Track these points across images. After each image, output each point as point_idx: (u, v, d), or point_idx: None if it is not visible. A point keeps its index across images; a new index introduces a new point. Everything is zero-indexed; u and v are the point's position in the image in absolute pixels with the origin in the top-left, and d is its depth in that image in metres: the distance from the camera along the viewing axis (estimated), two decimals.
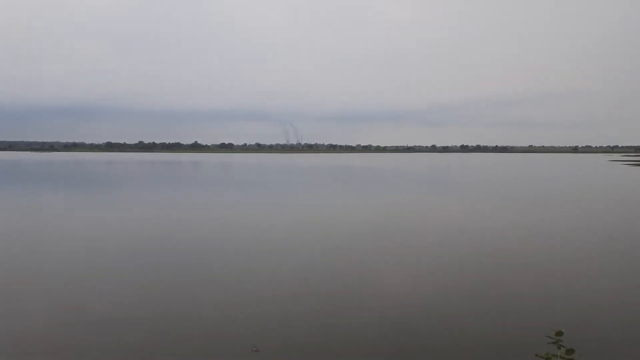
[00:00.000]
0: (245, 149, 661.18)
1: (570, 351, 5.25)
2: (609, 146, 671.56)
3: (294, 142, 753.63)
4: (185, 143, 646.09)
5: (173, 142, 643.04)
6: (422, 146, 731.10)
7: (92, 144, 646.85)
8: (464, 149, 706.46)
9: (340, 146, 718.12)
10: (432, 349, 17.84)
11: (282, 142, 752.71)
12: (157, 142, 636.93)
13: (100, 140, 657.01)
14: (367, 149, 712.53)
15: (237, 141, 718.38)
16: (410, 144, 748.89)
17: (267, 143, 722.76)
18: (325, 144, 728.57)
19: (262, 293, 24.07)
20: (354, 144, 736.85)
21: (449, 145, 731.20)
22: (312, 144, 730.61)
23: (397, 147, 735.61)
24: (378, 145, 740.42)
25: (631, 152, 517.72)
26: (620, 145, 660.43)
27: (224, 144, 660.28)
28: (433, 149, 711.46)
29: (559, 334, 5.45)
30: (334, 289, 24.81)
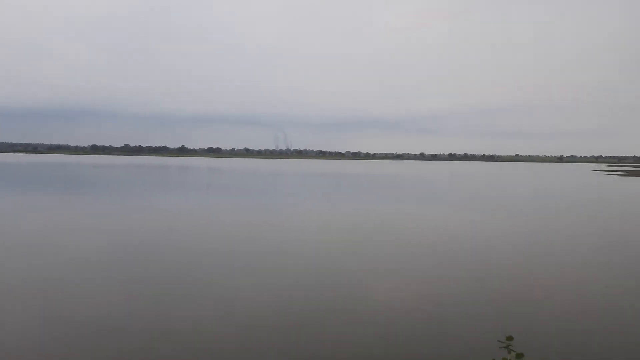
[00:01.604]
0: (233, 154, 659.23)
1: (519, 355, 5.39)
2: (593, 156, 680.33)
3: (284, 148, 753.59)
4: (172, 147, 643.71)
5: (160, 145, 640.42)
6: (411, 154, 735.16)
7: (77, 147, 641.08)
8: (452, 157, 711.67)
9: (330, 152, 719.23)
10: (405, 355, 18.09)
11: (272, 147, 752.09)
12: (144, 145, 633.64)
13: (86, 142, 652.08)
14: (356, 155, 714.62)
15: (226, 146, 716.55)
16: (400, 152, 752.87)
17: (256, 148, 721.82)
18: (315, 150, 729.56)
19: (246, 302, 23.77)
20: (343, 151, 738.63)
21: (438, 153, 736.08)
22: (301, 149, 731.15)
23: (386, 154, 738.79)
24: (368, 153, 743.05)
25: (614, 162, 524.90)
26: (604, 156, 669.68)
27: (211, 148, 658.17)
28: (422, 157, 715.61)
29: (509, 338, 5.66)
30: (320, 299, 24.79)
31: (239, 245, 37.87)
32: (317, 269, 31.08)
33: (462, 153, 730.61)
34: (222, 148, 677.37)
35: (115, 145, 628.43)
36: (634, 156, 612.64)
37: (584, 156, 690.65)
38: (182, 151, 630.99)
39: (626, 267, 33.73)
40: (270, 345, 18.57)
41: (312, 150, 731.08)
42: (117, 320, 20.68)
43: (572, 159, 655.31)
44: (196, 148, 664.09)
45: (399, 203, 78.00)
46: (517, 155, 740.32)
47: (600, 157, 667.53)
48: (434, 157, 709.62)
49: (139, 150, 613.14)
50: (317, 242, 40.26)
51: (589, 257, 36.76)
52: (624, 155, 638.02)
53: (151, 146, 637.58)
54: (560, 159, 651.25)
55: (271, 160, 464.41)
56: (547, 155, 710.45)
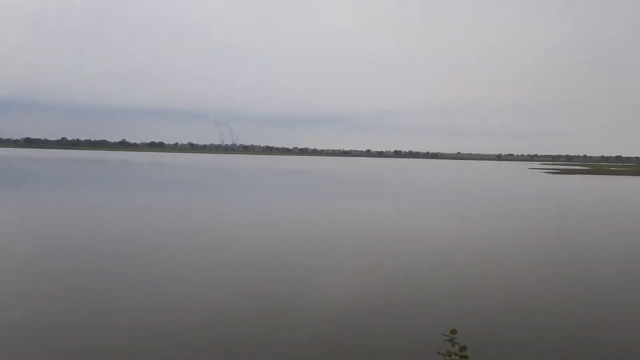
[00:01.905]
0: (177, 148, 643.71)
1: (462, 348, 5.50)
2: (529, 155, 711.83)
3: (229, 143, 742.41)
4: (112, 141, 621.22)
5: (99, 139, 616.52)
6: (358, 150, 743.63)
7: (8, 139, 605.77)
8: (398, 154, 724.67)
9: (277, 148, 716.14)
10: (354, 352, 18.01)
11: (217, 142, 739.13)
12: (82, 139, 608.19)
13: (18, 135, 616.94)
14: (303, 151, 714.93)
15: (169, 140, 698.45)
16: (347, 148, 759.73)
17: (201, 143, 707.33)
18: (262, 145, 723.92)
19: (189, 299, 22.92)
20: (290, 147, 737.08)
21: (384, 150, 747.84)
22: (247, 145, 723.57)
23: (333, 150, 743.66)
24: (315, 149, 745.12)
25: (549, 161, 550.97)
26: (539, 154, 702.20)
27: (154, 142, 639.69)
28: (368, 153, 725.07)
29: (453, 332, 5.64)
30: (255, 297, 23.96)
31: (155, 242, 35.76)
32: (256, 266, 29.15)
33: (407, 150, 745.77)
34: (165, 142, 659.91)
35: (51, 139, 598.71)
36: (567, 155, 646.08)
37: (521, 155, 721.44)
38: (123, 145, 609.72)
39: (561, 260, 33.98)
40: (211, 345, 17.85)
41: (259, 146, 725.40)
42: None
43: (510, 157, 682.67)
44: (138, 142, 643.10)
45: (347, 200, 77.23)
46: (459, 153, 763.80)
47: (536, 155, 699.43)
48: (380, 154, 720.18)
49: (76, 144, 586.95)
50: (259, 240, 38.46)
51: (528, 251, 36.94)
52: (557, 154, 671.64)
53: (90, 140, 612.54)
54: (499, 157, 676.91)
55: (216, 155, 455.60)
56: (487, 153, 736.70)
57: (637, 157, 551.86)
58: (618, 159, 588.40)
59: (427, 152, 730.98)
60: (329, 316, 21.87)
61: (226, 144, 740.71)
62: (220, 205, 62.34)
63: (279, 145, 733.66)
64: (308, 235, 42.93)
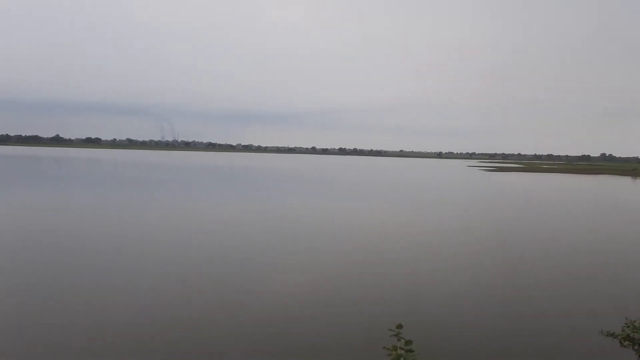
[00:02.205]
0: (114, 144, 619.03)
1: (408, 342, 5.52)
2: (467, 153, 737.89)
3: (170, 139, 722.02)
4: (45, 136, 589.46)
5: (31, 134, 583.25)
6: (303, 147, 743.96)
7: None
8: (342, 151, 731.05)
9: (220, 145, 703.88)
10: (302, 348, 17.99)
11: (157, 138, 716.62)
12: (12, 134, 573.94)
13: None
14: (248, 148, 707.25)
15: (106, 136, 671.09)
16: (292, 145, 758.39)
17: (140, 139, 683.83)
18: (204, 142, 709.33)
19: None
20: (234, 143, 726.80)
21: (329, 147, 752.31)
22: (189, 141, 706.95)
23: (278, 147, 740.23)
24: (259, 145, 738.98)
25: (486, 159, 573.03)
26: (477, 152, 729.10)
27: (90, 138, 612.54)
28: (313, 150, 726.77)
29: (399, 326, 5.72)
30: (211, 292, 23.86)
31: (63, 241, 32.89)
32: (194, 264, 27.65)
33: (352, 148, 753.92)
34: (102, 138, 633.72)
35: None
36: (503, 153, 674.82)
37: (460, 153, 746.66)
38: (56, 141, 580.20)
39: (501, 254, 34.43)
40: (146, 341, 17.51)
41: (201, 142, 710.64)
42: None
43: (450, 155, 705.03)
44: (72, 138, 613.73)
45: (295, 197, 75.77)
46: (402, 150, 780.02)
47: (474, 153, 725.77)
48: (325, 151, 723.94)
49: (6, 140, 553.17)
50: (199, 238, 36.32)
51: (470, 247, 37.19)
52: (494, 152, 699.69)
53: (20, 135, 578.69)
54: (439, 155, 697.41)
55: (155, 151, 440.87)
56: (428, 151, 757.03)
57: (566, 156, 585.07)
58: (549, 157, 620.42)
59: (372, 149, 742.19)
60: (276, 313, 21.78)
61: (167, 140, 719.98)
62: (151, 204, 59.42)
63: (222, 142, 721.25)
64: (249, 233, 41.21)
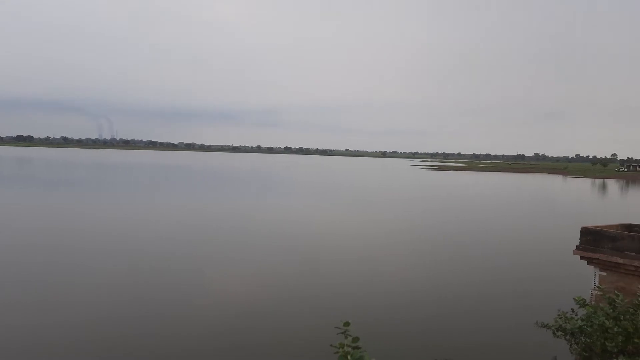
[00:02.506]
0: (48, 142, 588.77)
1: (355, 339, 5.56)
2: (410, 152, 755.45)
3: (108, 138, 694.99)
4: None
5: None
6: (248, 146, 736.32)
7: None
8: (288, 150, 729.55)
9: (162, 143, 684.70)
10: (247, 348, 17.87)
11: (95, 136, 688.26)
12: None
13: None
14: (190, 147, 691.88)
15: (39, 134, 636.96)
16: (236, 144, 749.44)
17: (76, 137, 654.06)
18: (144, 140, 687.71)
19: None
20: (176, 142, 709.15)
21: (274, 146, 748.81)
22: (129, 139, 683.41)
23: (222, 146, 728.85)
24: (202, 144, 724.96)
25: (428, 158, 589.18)
26: (419, 152, 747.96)
27: (21, 136, 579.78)
28: (258, 149, 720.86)
29: (347, 324, 5.62)
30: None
31: None
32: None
33: (298, 147, 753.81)
34: (35, 136, 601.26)
35: None
36: (444, 153, 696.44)
37: (403, 152, 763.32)
38: None
39: (444, 251, 35.23)
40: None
41: (141, 141, 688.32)
42: None
43: (394, 155, 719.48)
44: (2, 136, 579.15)
45: (232, 198, 74.37)
46: (347, 150, 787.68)
47: (417, 153, 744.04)
48: (270, 150, 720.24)
49: None
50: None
51: (414, 244, 37.81)
52: (435, 152, 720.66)
53: None
54: (384, 155, 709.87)
55: (90, 150, 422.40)
56: (373, 150, 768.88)
57: (503, 155, 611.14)
58: (487, 156, 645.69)
59: (317, 148, 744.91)
60: (222, 312, 21.41)
61: (104, 139, 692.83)
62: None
63: (164, 141, 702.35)
64: (185, 233, 40.02)
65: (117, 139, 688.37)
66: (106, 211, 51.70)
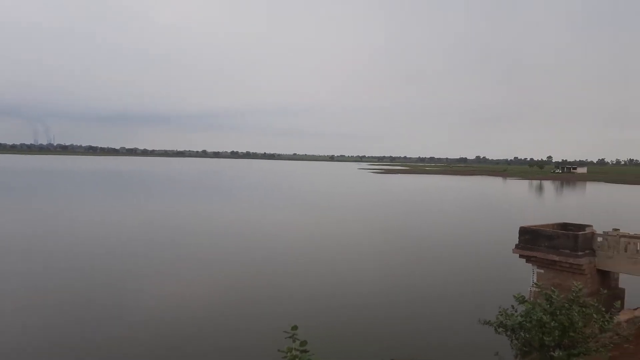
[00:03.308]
0: None
1: (303, 343, 5.66)
2: (358, 156, 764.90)
3: (45, 143, 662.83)
4: None
5: None
6: (193, 151, 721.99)
7: None
8: (235, 155, 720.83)
9: (102, 148, 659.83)
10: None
11: (29, 142, 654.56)
12: None
13: None
14: (132, 152, 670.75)
15: None
16: (181, 149, 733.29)
17: (9, 142, 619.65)
18: (84, 145, 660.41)
19: None
20: (117, 147, 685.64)
21: (220, 151, 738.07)
22: (67, 145, 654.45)
23: (166, 151, 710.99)
24: (145, 149, 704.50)
25: (375, 162, 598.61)
26: (367, 155, 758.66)
27: None
28: (204, 154, 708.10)
29: (294, 328, 5.80)
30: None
31: None
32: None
33: (245, 151, 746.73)
34: None
35: None
36: (390, 156, 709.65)
37: (351, 156, 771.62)
38: None
39: (388, 254, 35.77)
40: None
41: (80, 146, 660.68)
42: None
43: (342, 158, 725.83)
44: None
45: (181, 202, 72.72)
46: (295, 154, 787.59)
47: (364, 156, 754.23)
48: (217, 155, 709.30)
49: None
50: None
51: (361, 247, 38.17)
52: (382, 155, 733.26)
53: None
54: (332, 158, 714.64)
55: (24, 156, 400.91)
56: (321, 154, 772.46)
57: (446, 158, 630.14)
58: (432, 159, 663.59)
59: (265, 152, 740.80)
60: (165, 320, 20.94)
61: (40, 144, 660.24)
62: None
63: (105, 145, 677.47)
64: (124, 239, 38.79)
65: (54, 144, 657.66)
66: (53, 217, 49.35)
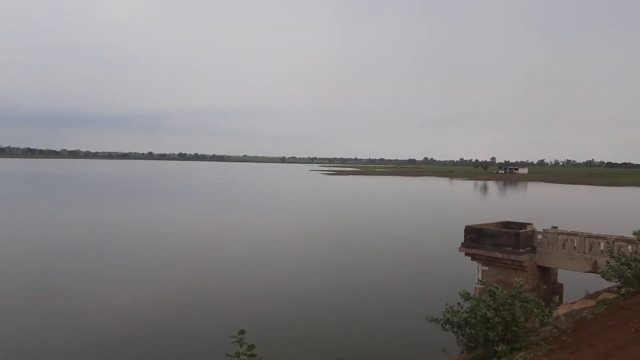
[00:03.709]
0: None
1: (251, 347, 5.60)
2: (309, 157, 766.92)
3: None
4: None
5: None
6: (139, 153, 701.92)
7: None
8: (183, 157, 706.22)
9: (42, 150, 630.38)
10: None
11: None
12: None
13: None
14: (75, 154, 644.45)
15: None
16: (125, 151, 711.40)
17: None
18: (22, 147, 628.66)
19: None
20: (58, 149, 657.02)
21: (167, 153, 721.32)
22: (4, 147, 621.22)
23: (110, 153, 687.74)
24: (88, 151, 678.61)
25: (326, 163, 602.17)
26: (318, 157, 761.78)
27: None
28: (150, 156, 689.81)
29: (241, 332, 5.70)
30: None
31: None
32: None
33: (193, 153, 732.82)
34: None
35: None
36: (341, 158, 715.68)
37: (302, 157, 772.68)
38: None
39: (338, 257, 35.89)
40: None
41: (18, 148, 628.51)
42: None
43: (293, 160, 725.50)
44: None
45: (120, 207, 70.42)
46: (245, 155, 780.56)
47: (315, 158, 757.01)
48: (164, 157, 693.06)
49: None
50: None
51: (309, 250, 38.15)
52: (333, 157, 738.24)
53: None
54: (282, 160, 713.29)
55: None
56: (271, 156, 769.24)
57: (396, 160, 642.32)
58: (382, 161, 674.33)
59: (214, 154, 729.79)
60: (108, 328, 20.38)
61: None
62: None
63: (44, 148, 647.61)
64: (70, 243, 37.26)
65: None
66: None
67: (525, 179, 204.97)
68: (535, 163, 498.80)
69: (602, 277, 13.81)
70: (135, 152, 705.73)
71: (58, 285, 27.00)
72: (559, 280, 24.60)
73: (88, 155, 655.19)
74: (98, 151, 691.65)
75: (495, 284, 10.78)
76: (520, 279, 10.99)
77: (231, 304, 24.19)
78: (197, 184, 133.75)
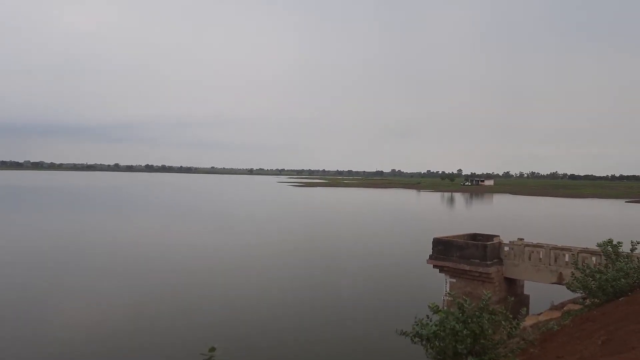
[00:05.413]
0: None
1: None
2: (277, 169, 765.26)
3: None
4: None
5: None
6: (104, 164, 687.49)
7: None
8: (150, 168, 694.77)
9: (4, 162, 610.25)
10: None
11: None
12: None
13: None
14: (38, 166, 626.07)
15: None
16: (91, 162, 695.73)
17: None
18: None
19: None
20: (21, 160, 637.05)
21: (134, 164, 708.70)
22: None
23: (75, 164, 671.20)
24: (52, 162, 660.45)
25: (294, 175, 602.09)
26: (286, 169, 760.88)
27: None
28: (116, 167, 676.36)
29: (212, 349, 5.53)
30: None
31: None
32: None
33: (160, 164, 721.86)
34: None
35: None
36: (309, 169, 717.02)
37: (270, 169, 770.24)
38: None
39: (305, 269, 35.67)
40: None
41: None
42: None
43: (261, 172, 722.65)
44: None
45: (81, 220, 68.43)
46: (212, 167, 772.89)
47: (284, 170, 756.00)
48: (130, 168, 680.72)
49: None
50: None
51: (277, 262, 37.71)
52: (301, 168, 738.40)
53: None
54: (250, 172, 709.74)
55: None
56: (239, 168, 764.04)
57: (364, 171, 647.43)
58: (349, 172, 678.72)
59: (181, 166, 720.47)
60: (77, 336, 20.08)
61: None
62: None
63: (7, 159, 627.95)
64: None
65: None
66: None
67: (492, 190, 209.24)
68: (501, 175, 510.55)
69: (568, 288, 14.00)
70: (101, 164, 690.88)
71: (17, 300, 25.89)
72: (525, 292, 24.95)
73: (52, 166, 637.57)
74: (63, 162, 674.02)
75: (464, 296, 10.79)
76: (488, 291, 11.03)
77: (200, 320, 23.73)
78: (165, 198, 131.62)
